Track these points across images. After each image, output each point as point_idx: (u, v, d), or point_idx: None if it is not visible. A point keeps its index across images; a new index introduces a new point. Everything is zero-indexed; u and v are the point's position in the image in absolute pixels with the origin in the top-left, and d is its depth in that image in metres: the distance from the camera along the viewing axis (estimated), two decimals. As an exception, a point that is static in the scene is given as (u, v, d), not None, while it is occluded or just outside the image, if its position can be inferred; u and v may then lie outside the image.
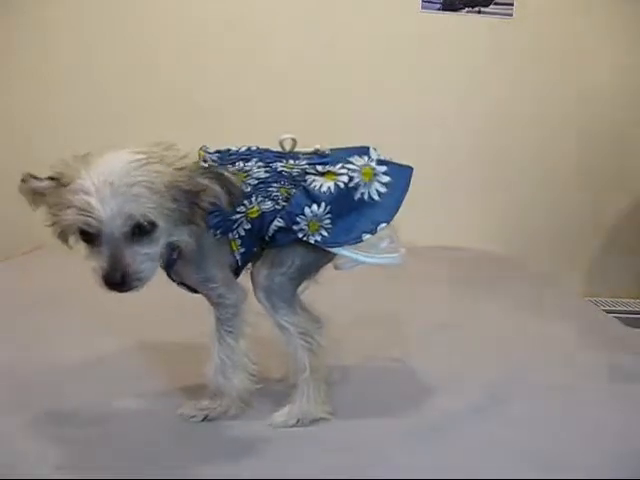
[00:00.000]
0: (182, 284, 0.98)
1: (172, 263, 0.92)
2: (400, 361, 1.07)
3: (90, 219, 0.79)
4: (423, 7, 2.40)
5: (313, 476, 0.82)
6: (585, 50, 2.47)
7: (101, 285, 0.82)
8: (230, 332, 0.94)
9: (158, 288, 1.55)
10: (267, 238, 0.95)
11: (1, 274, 1.79)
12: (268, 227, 0.94)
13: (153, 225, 0.82)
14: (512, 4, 2.41)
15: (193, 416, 0.95)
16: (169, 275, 0.96)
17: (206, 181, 0.85)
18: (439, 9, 2.41)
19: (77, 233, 0.83)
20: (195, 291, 0.99)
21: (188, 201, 0.84)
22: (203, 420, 0.94)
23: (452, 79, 2.47)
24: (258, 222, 0.94)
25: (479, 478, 0.84)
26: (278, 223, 0.93)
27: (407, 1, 2.40)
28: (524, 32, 2.43)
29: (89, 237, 0.82)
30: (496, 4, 2.41)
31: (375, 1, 2.40)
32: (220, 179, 0.85)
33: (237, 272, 0.99)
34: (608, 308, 2.38)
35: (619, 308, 2.45)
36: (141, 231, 0.81)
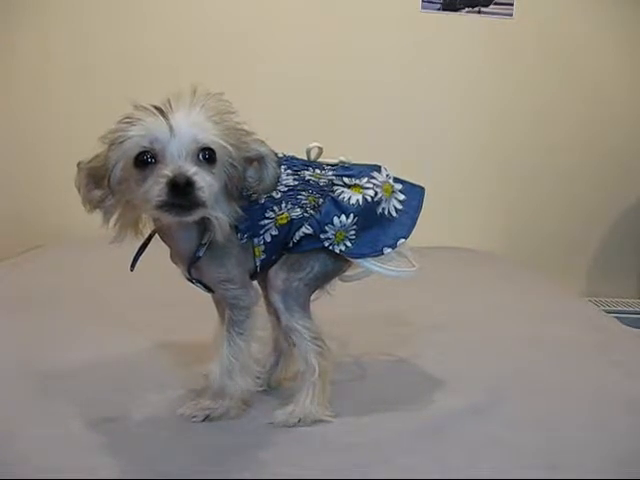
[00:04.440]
0: (199, 282, 0.98)
1: (196, 260, 0.92)
2: (400, 361, 1.07)
3: (158, 136, 0.79)
4: (423, 7, 2.40)
5: (313, 476, 0.82)
6: (585, 50, 2.48)
7: (160, 197, 0.78)
8: (241, 334, 0.94)
9: (157, 288, 1.56)
10: (291, 244, 0.96)
11: (1, 274, 1.79)
12: (294, 234, 0.95)
13: (214, 160, 0.82)
14: (512, 4, 2.41)
15: (194, 416, 0.95)
16: (189, 271, 0.96)
17: (264, 148, 0.88)
18: (439, 9, 2.41)
19: (131, 162, 0.81)
20: (210, 290, 0.99)
21: (240, 166, 0.86)
22: (204, 420, 0.94)
23: (452, 79, 2.47)
24: (285, 229, 0.95)
25: (479, 478, 0.84)
26: (306, 230, 0.94)
27: (407, 1, 2.40)
28: (524, 32, 2.44)
29: (146, 163, 0.80)
30: (496, 4, 2.41)
31: (375, 1, 2.40)
32: (275, 156, 0.89)
33: (252, 277, 1.00)
34: (608, 308, 2.38)
35: (619, 308, 2.45)
36: (203, 161, 0.82)
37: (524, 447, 0.90)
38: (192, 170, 0.79)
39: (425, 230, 2.55)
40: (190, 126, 0.81)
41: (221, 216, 0.86)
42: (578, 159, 2.55)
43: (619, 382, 1.15)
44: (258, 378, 0.96)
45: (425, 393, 1.07)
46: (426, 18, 2.41)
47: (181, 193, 0.78)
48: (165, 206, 0.79)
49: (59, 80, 2.32)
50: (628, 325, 1.56)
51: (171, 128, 0.80)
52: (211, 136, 0.82)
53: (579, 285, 2.63)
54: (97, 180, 0.86)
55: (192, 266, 0.94)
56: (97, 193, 0.86)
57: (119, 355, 1.20)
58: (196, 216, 0.83)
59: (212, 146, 0.82)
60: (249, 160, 0.88)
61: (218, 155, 0.83)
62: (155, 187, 0.79)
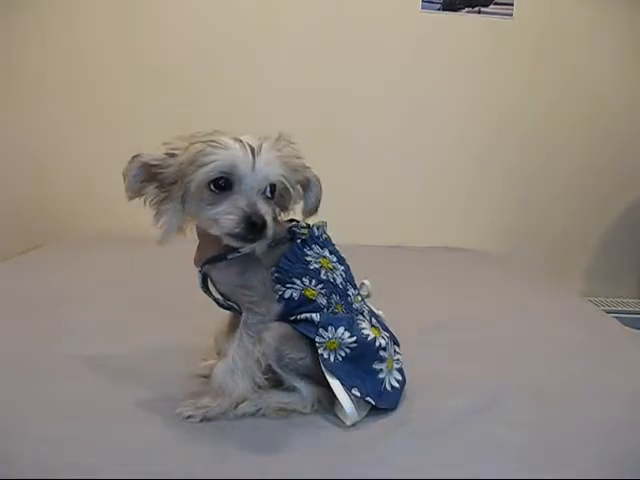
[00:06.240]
0: (206, 288, 1.02)
1: (221, 259, 0.97)
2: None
3: (239, 167, 0.87)
4: (423, 7, 2.40)
5: (313, 476, 0.82)
6: (586, 50, 2.47)
7: (237, 229, 0.87)
8: (251, 336, 0.96)
9: (157, 288, 1.56)
10: (293, 316, 0.99)
11: (1, 274, 1.79)
12: (304, 310, 0.99)
13: (274, 194, 0.93)
14: (512, 4, 2.41)
15: (192, 416, 0.95)
16: (202, 265, 1.00)
17: (312, 177, 0.98)
18: (439, 9, 2.41)
19: (207, 183, 0.88)
20: (214, 299, 1.03)
21: (288, 195, 0.96)
22: (201, 421, 0.94)
23: (452, 79, 2.47)
24: (304, 301, 0.99)
25: (479, 478, 0.84)
26: (314, 317, 0.97)
27: (407, 1, 2.40)
28: (524, 32, 2.44)
29: (220, 187, 0.88)
30: (496, 4, 2.41)
31: (375, 1, 2.40)
32: (319, 182, 0.99)
33: None
34: (608, 308, 2.39)
35: (619, 308, 2.45)
36: (267, 194, 0.91)
37: (524, 447, 0.91)
38: (264, 209, 0.89)
39: (425, 230, 2.56)
40: (267, 165, 0.90)
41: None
42: (578, 159, 2.55)
43: (619, 382, 1.15)
44: (258, 383, 0.96)
45: (425, 393, 1.07)
46: (426, 18, 2.41)
47: (255, 230, 0.88)
48: (237, 236, 0.89)
49: (59, 81, 2.32)
50: (628, 325, 1.56)
51: (254, 164, 0.88)
52: (279, 176, 0.92)
53: (579, 285, 2.63)
54: (152, 178, 0.93)
55: (213, 262, 0.97)
56: (151, 189, 0.94)
57: (119, 355, 1.20)
58: (257, 246, 0.93)
59: (276, 183, 0.92)
60: (299, 184, 0.98)
61: (277, 189, 0.94)
62: (230, 216, 0.88)
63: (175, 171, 0.91)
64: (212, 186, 0.89)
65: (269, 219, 0.89)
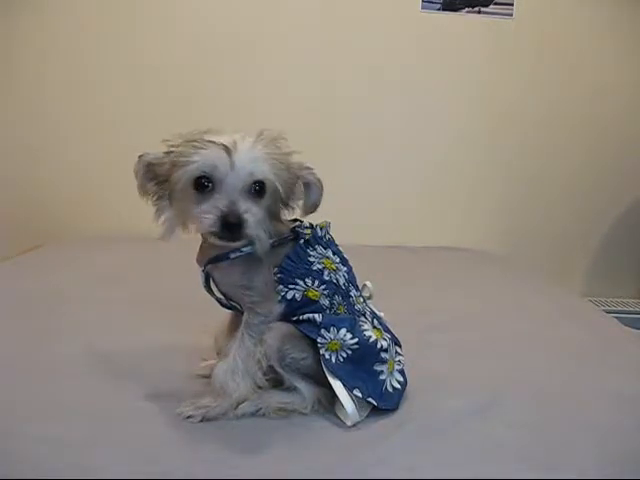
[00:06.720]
0: (209, 287, 1.02)
1: (224, 258, 0.97)
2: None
3: (219, 167, 0.88)
4: (423, 7, 2.40)
5: (313, 476, 0.82)
6: (586, 50, 2.47)
7: (212, 228, 0.88)
8: (252, 336, 0.96)
9: (157, 288, 1.56)
10: (296, 317, 0.99)
11: (1, 274, 1.79)
12: (306, 311, 0.99)
13: (264, 192, 0.91)
14: (512, 4, 2.41)
15: (192, 416, 0.95)
16: (206, 264, 1.00)
17: (312, 177, 0.97)
18: (439, 9, 2.41)
19: (191, 183, 0.89)
20: (218, 299, 1.03)
21: (285, 189, 0.94)
22: (201, 421, 0.94)
23: (452, 79, 2.47)
24: (307, 302, 0.99)
25: (479, 478, 0.84)
26: (317, 318, 0.97)
27: (407, 1, 2.40)
28: (524, 32, 2.44)
29: (204, 186, 0.89)
30: (496, 4, 2.41)
31: (375, 1, 2.40)
32: (320, 182, 0.97)
33: None
34: (608, 308, 2.39)
35: (619, 308, 2.45)
36: (254, 192, 0.90)
37: (524, 447, 0.91)
38: (244, 207, 0.88)
39: (425, 230, 2.56)
40: (248, 163, 0.89)
41: (262, 235, 0.93)
42: (578, 159, 2.55)
43: (618, 382, 1.15)
44: (259, 383, 0.97)
45: (425, 393, 1.07)
46: (426, 18, 2.41)
47: (232, 229, 0.88)
48: (215, 235, 0.89)
49: (59, 81, 2.32)
50: (628, 325, 1.56)
51: (232, 163, 0.88)
52: (265, 173, 0.90)
53: (579, 285, 2.63)
54: (155, 176, 0.95)
55: (215, 262, 0.98)
56: (151, 186, 0.95)
57: (119, 354, 1.20)
58: (240, 244, 0.93)
59: (264, 180, 0.91)
60: (298, 184, 0.97)
61: (267, 187, 0.92)
62: (209, 215, 0.88)
63: (166, 169, 0.92)
64: (195, 186, 0.89)
65: (250, 218, 0.88)
